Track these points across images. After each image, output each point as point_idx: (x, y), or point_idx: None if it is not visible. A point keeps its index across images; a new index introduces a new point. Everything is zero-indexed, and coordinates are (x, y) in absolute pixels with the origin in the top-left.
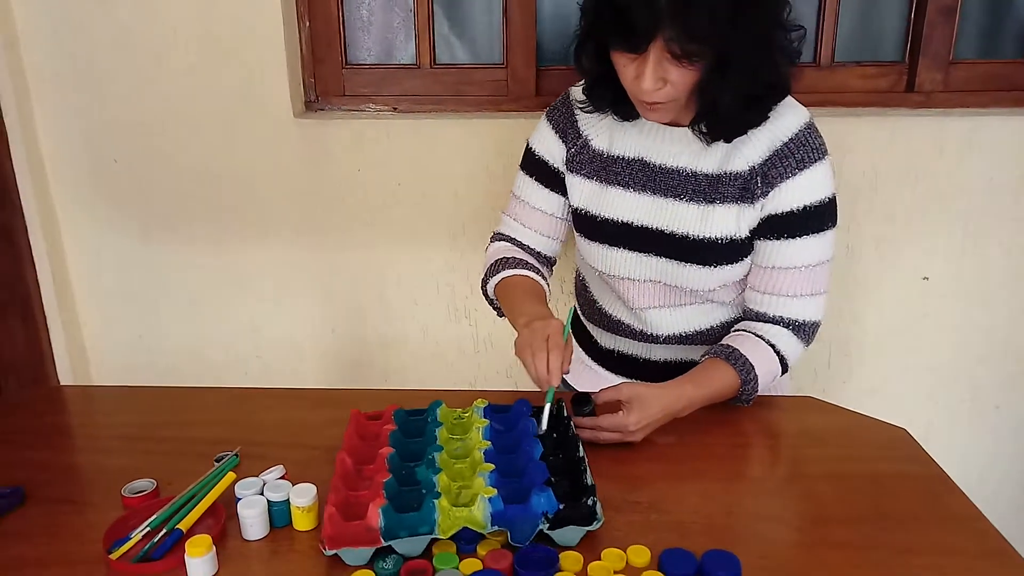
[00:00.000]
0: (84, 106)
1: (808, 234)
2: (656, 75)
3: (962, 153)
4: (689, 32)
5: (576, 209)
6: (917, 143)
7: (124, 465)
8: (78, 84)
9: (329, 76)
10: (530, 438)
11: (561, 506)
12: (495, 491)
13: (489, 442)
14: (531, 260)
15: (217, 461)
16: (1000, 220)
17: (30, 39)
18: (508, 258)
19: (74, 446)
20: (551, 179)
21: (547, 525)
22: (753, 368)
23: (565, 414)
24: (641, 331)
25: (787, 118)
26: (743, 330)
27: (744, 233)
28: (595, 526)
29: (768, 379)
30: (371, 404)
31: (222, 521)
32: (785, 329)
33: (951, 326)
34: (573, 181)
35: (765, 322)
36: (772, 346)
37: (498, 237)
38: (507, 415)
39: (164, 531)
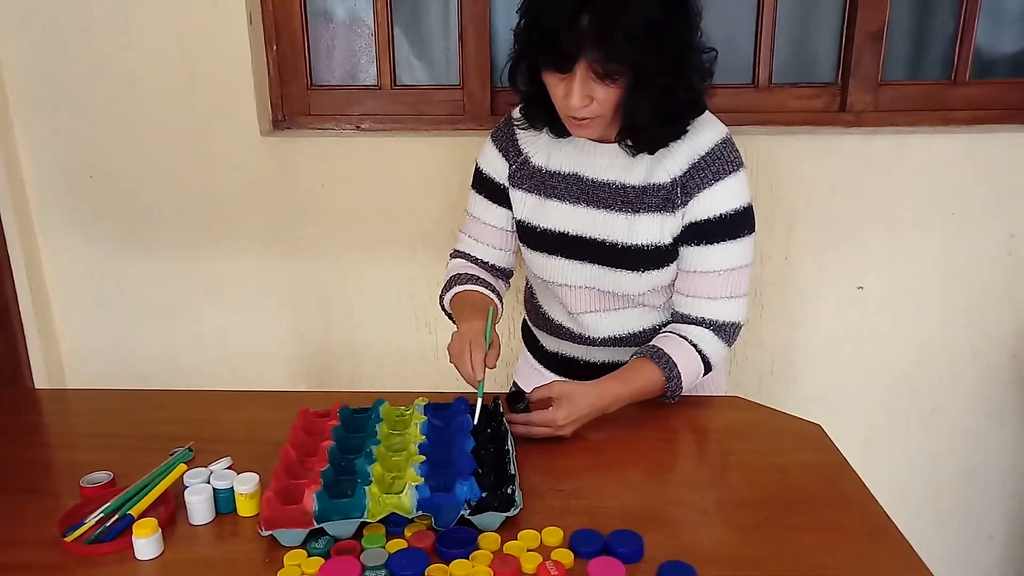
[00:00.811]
0: (63, 124)
1: (725, 240)
2: (583, 92)
3: (891, 168)
4: (609, 54)
5: (519, 221)
6: (849, 159)
7: (86, 459)
8: (57, 104)
9: (295, 97)
10: (464, 433)
11: (483, 494)
12: (422, 480)
13: (424, 436)
14: (483, 275)
15: (171, 455)
16: (928, 231)
17: (13, 62)
18: (461, 274)
19: (41, 443)
20: (498, 195)
21: (469, 511)
22: (676, 366)
23: (500, 411)
24: (580, 334)
25: (706, 133)
26: (668, 332)
27: (667, 240)
28: (513, 512)
29: (691, 377)
30: (325, 405)
31: (171, 508)
32: (707, 330)
33: (887, 333)
34: (515, 195)
35: (688, 323)
36: (694, 346)
37: (455, 254)
38: (446, 412)
39: (116, 517)
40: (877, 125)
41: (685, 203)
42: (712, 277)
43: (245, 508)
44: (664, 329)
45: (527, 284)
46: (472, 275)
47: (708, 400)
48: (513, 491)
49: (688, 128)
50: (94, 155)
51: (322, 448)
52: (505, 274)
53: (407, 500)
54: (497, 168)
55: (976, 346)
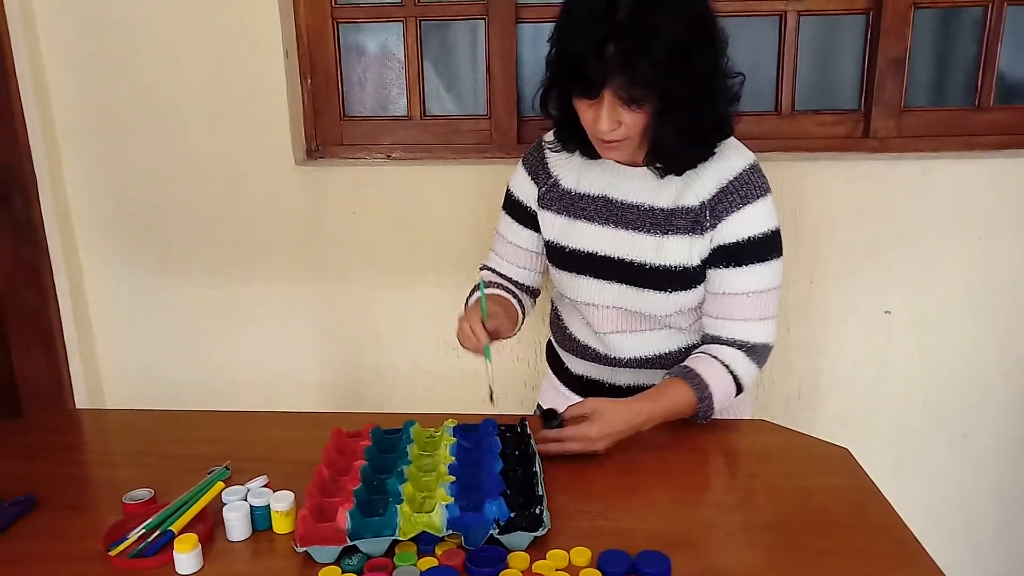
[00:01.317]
0: (107, 155)
1: (754, 263)
2: (611, 117)
3: (916, 194)
4: (634, 80)
5: (548, 241)
6: (874, 185)
7: (127, 477)
8: (102, 135)
9: (328, 127)
10: (493, 454)
11: (512, 514)
12: (452, 499)
13: (454, 457)
14: (508, 285)
15: (209, 473)
16: (955, 256)
17: (59, 94)
18: (486, 282)
19: (83, 461)
20: (526, 218)
21: (498, 530)
22: (708, 387)
23: (528, 432)
24: (606, 355)
25: (733, 159)
26: (701, 352)
27: (696, 262)
28: (541, 532)
29: (724, 398)
30: (357, 425)
31: (210, 524)
32: (739, 351)
33: (915, 358)
34: (544, 216)
35: (721, 344)
36: (727, 367)
37: (484, 268)
38: (475, 434)
39: (157, 532)
40: (901, 151)
41: (714, 226)
42: (742, 299)
43: (281, 525)
44: (696, 350)
45: (552, 306)
46: (496, 282)
47: (735, 423)
48: (541, 511)
49: (715, 152)
50: (136, 183)
51: (354, 468)
52: (531, 292)
53: (437, 519)
54: (526, 191)
55: (1005, 370)
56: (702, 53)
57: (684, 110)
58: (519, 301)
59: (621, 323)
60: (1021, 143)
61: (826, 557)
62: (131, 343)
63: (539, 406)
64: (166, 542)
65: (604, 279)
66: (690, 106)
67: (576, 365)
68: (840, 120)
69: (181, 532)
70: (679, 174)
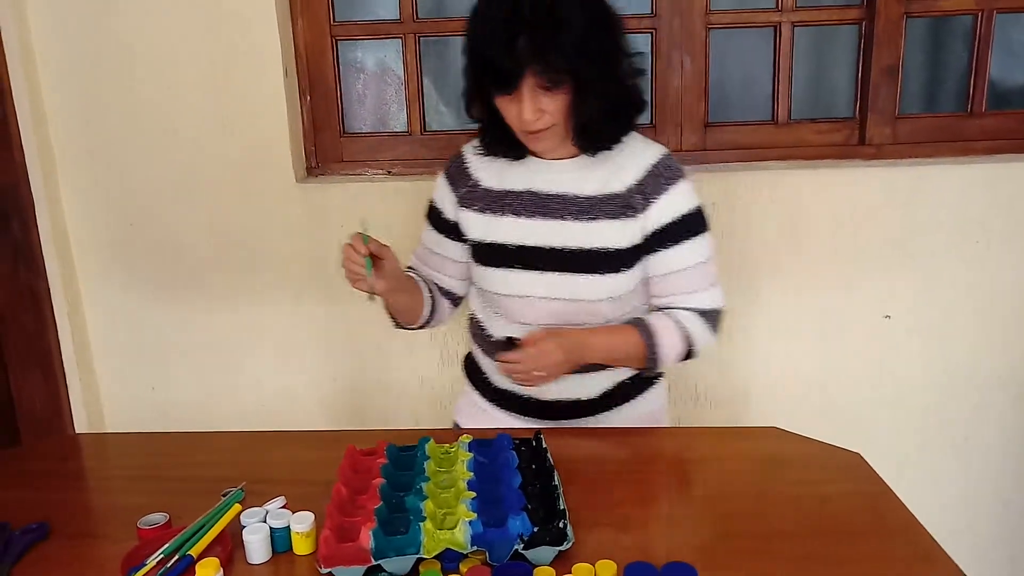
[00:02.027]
0: (105, 177)
1: (689, 238)
2: (533, 107)
3: (913, 199)
4: (547, 66)
5: (474, 242)
6: (871, 191)
7: (138, 503)
8: (100, 156)
9: (328, 144)
10: (511, 469)
11: (535, 529)
12: (475, 515)
13: (472, 473)
14: (421, 279)
15: (224, 495)
16: (953, 260)
17: (57, 116)
18: (408, 269)
19: (92, 487)
20: (446, 227)
21: (522, 545)
22: (655, 335)
23: (544, 446)
24: None
25: (651, 149)
26: (655, 311)
27: (624, 244)
28: (566, 546)
29: (673, 351)
30: (367, 443)
31: (228, 547)
32: (692, 312)
33: (916, 362)
34: (466, 216)
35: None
36: (678, 323)
37: (409, 269)
38: (489, 449)
39: (176, 557)
40: (897, 157)
41: (645, 208)
42: (687, 273)
43: (301, 547)
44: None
45: (472, 317)
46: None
47: (743, 431)
48: (564, 525)
49: (623, 141)
50: (134, 204)
51: (372, 486)
52: (450, 296)
53: (461, 536)
54: (445, 201)
55: (1005, 373)
56: (603, 34)
57: (598, 87)
58: (430, 292)
59: (552, 315)
60: (1014, 148)
61: (849, 565)
62: (131, 365)
63: (456, 425)
64: (186, 567)
65: (534, 269)
66: (602, 83)
67: (501, 378)
68: (836, 128)
69: (200, 556)
70: (608, 148)
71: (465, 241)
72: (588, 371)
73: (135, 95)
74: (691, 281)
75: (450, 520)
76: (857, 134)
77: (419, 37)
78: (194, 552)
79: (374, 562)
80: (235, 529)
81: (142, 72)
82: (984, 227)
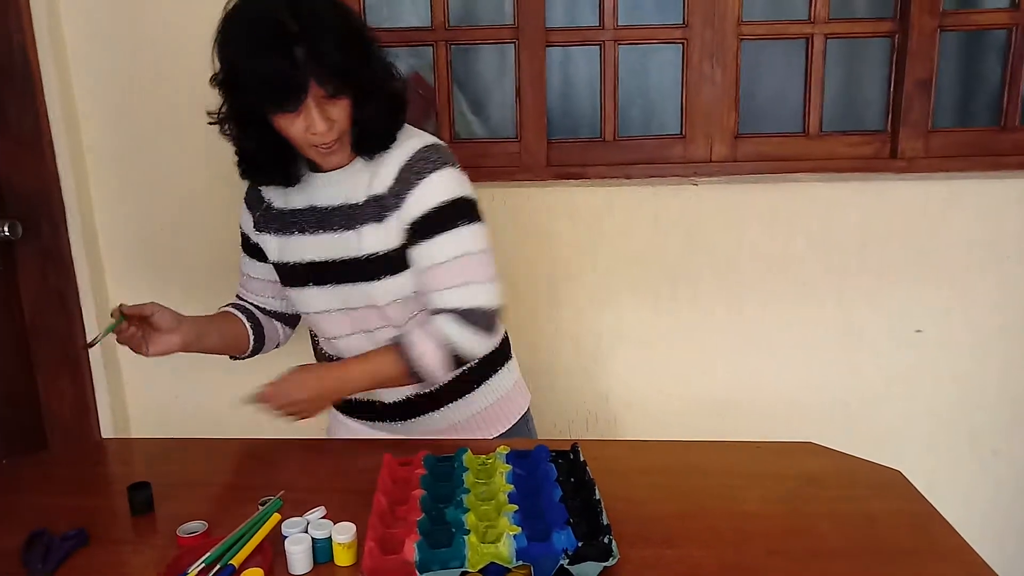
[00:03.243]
0: (135, 183)
1: (446, 230)
2: (323, 117)
3: (944, 213)
4: (330, 73)
5: (274, 264)
6: (902, 205)
7: (176, 510)
8: (131, 162)
9: None
10: (551, 482)
11: (579, 544)
12: (519, 529)
13: (512, 485)
14: (251, 308)
15: (261, 504)
16: (984, 275)
17: (88, 121)
18: (239, 304)
19: (124, 492)
20: (252, 249)
21: (567, 561)
22: (410, 348)
23: (582, 459)
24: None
25: (411, 142)
26: (412, 323)
27: (392, 245)
28: (611, 562)
29: (435, 359)
30: (400, 453)
31: (270, 557)
32: (450, 315)
33: (946, 376)
34: (264, 239)
35: (432, 315)
36: (436, 330)
37: (237, 299)
38: (527, 460)
39: (218, 567)
40: (929, 171)
41: (398, 206)
42: (444, 268)
43: (342, 558)
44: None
45: (311, 335)
46: (239, 305)
47: (778, 446)
48: (610, 541)
49: (397, 139)
50: (164, 209)
51: (412, 497)
52: (281, 317)
53: (505, 550)
54: (246, 223)
55: None
56: (360, 36)
57: (375, 87)
58: (252, 320)
59: (348, 325)
60: None
61: None
62: (157, 370)
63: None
64: None
65: (324, 284)
66: (375, 83)
67: None
68: (867, 141)
69: (242, 566)
70: (386, 148)
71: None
72: None
73: (167, 100)
74: (449, 276)
75: (492, 533)
76: (888, 147)
77: (450, 45)
78: (235, 562)
79: (419, 575)
80: (274, 538)
81: (173, 78)
82: (1017, 241)
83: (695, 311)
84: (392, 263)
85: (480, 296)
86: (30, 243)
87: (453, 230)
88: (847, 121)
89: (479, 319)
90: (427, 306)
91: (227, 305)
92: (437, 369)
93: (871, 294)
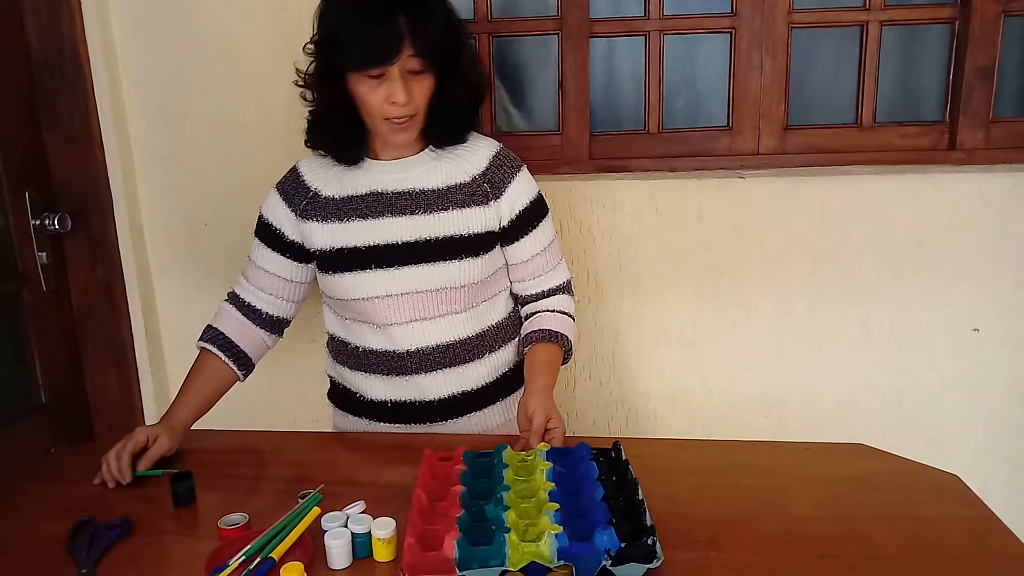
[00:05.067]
0: (181, 178)
1: (537, 224)
2: (405, 88)
3: (1007, 207)
4: (422, 48)
5: (320, 252)
6: (961, 198)
7: (217, 501)
8: (177, 158)
9: None
10: (593, 481)
11: (623, 544)
12: (561, 528)
13: (553, 483)
14: (244, 331)
15: (301, 498)
16: None
17: (137, 118)
18: (220, 333)
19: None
20: (279, 244)
21: (610, 561)
22: (560, 333)
23: (624, 457)
24: (394, 351)
25: (486, 141)
26: (537, 314)
27: (479, 229)
28: (655, 564)
29: (572, 332)
30: (439, 448)
31: (309, 551)
32: (560, 294)
33: (1004, 376)
34: (310, 228)
35: (544, 298)
36: (560, 311)
37: (230, 298)
38: (568, 458)
39: (259, 559)
40: (990, 163)
41: (497, 196)
42: (542, 256)
43: (382, 553)
44: (529, 312)
45: (331, 341)
46: (229, 340)
47: (830, 447)
48: (654, 542)
49: (468, 140)
50: (209, 204)
51: (452, 493)
52: (276, 325)
53: (547, 549)
54: (280, 216)
55: None
56: (461, 29)
57: (459, 76)
58: (236, 354)
59: (411, 310)
60: None
61: None
62: None
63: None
64: (268, 569)
65: (390, 267)
66: (463, 73)
67: (376, 388)
68: (924, 132)
69: (282, 559)
70: (464, 140)
71: (303, 259)
72: (468, 362)
73: (212, 99)
74: (547, 262)
75: (531, 531)
76: (947, 138)
77: (493, 37)
78: (276, 555)
79: (460, 573)
80: (314, 532)
81: (220, 76)
82: None
83: (740, 307)
84: (475, 245)
85: (566, 271)
86: (79, 235)
87: (543, 222)
88: (902, 111)
89: (570, 288)
90: (530, 288)
91: (205, 338)
92: (574, 338)
93: (926, 292)
